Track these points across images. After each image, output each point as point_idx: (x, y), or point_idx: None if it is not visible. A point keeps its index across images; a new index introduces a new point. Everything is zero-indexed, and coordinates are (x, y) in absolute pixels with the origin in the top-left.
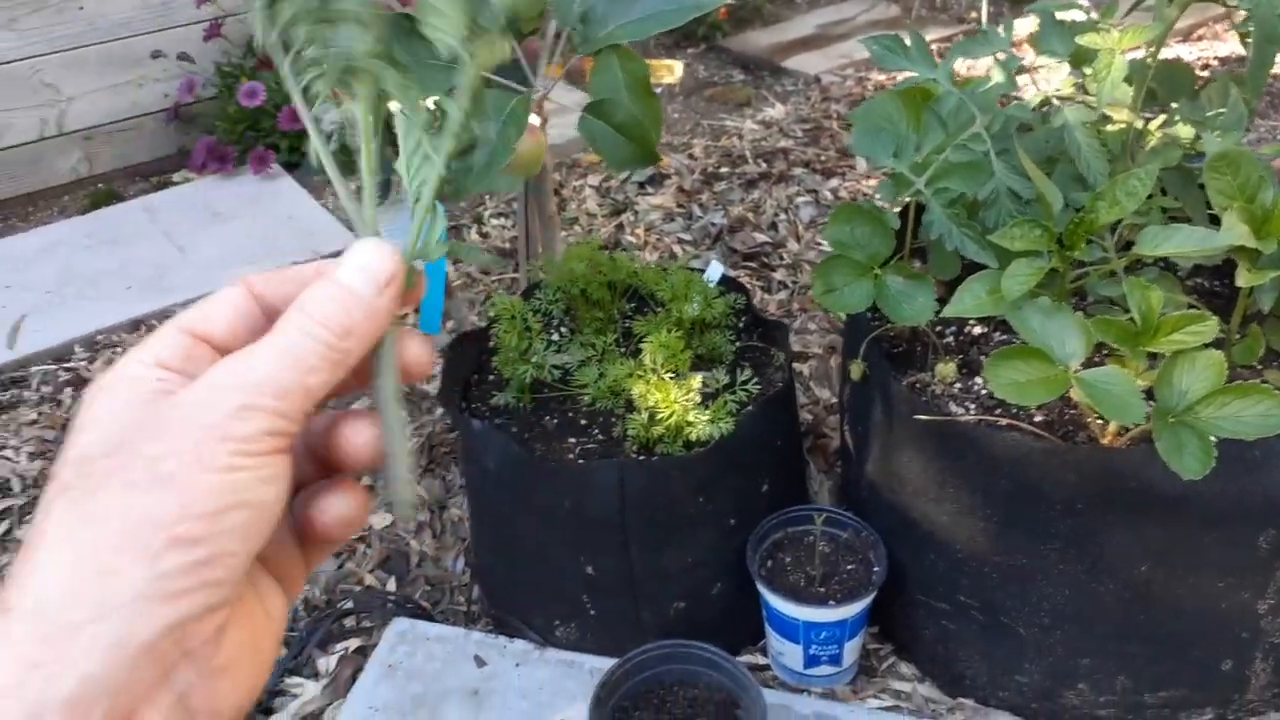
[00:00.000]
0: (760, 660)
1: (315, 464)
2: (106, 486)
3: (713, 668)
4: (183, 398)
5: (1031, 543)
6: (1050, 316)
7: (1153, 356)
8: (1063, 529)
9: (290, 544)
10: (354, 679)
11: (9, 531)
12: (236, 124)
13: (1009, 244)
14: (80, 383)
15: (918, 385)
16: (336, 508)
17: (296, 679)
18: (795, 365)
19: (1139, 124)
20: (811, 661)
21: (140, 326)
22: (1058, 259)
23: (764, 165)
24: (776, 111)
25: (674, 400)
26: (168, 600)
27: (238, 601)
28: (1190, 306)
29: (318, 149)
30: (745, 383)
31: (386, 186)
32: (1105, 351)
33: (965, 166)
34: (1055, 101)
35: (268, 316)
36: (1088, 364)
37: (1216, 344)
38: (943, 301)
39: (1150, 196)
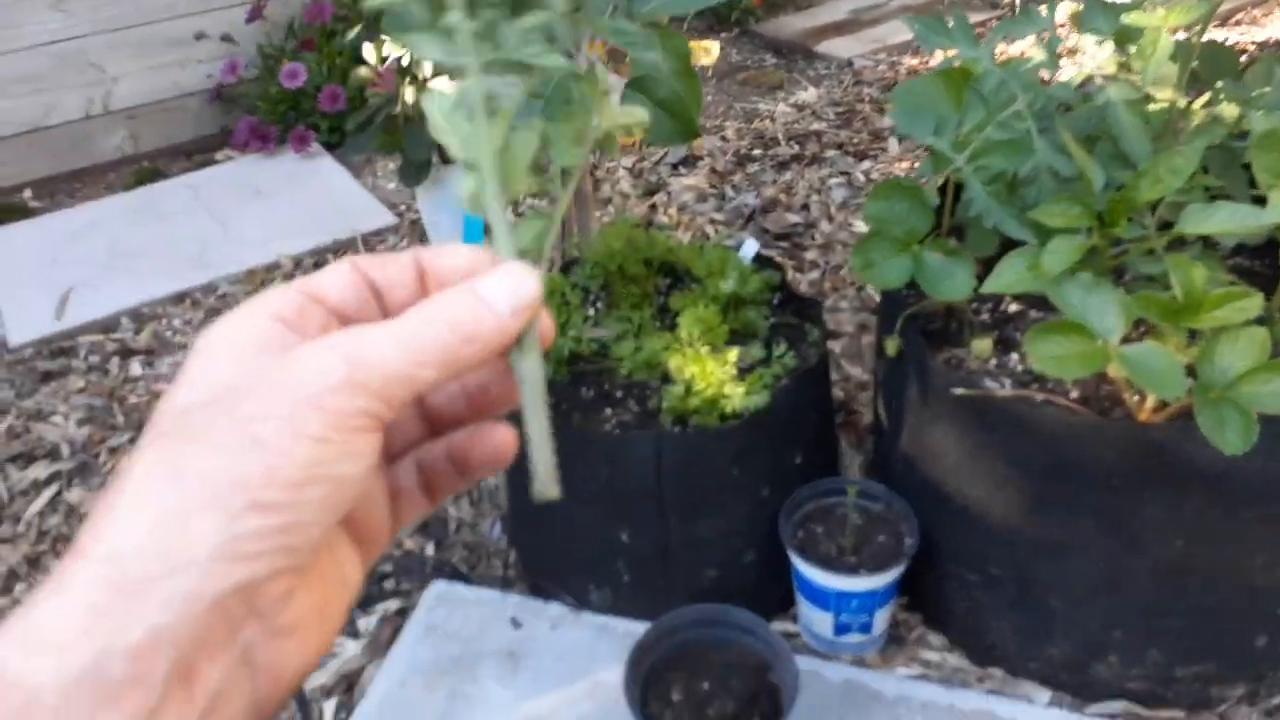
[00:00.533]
0: (790, 628)
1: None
2: (197, 442)
3: (747, 633)
4: (289, 360)
5: (1066, 516)
6: (1090, 292)
7: (1192, 334)
8: (1098, 503)
9: (379, 509)
10: (393, 639)
11: (59, 494)
12: (278, 104)
13: (1049, 220)
14: (127, 353)
15: (953, 361)
16: (494, 437)
17: (337, 638)
18: (828, 342)
19: (1182, 103)
20: (842, 630)
21: (185, 300)
22: (1098, 236)
23: (796, 147)
24: (809, 95)
25: (711, 373)
26: (241, 561)
27: (311, 566)
28: (1231, 284)
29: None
30: (781, 356)
31: (426, 167)
32: (1142, 329)
33: (1006, 144)
34: (1098, 79)
35: (374, 295)
36: (1124, 342)
37: (1258, 322)
38: (979, 279)
39: (1192, 175)
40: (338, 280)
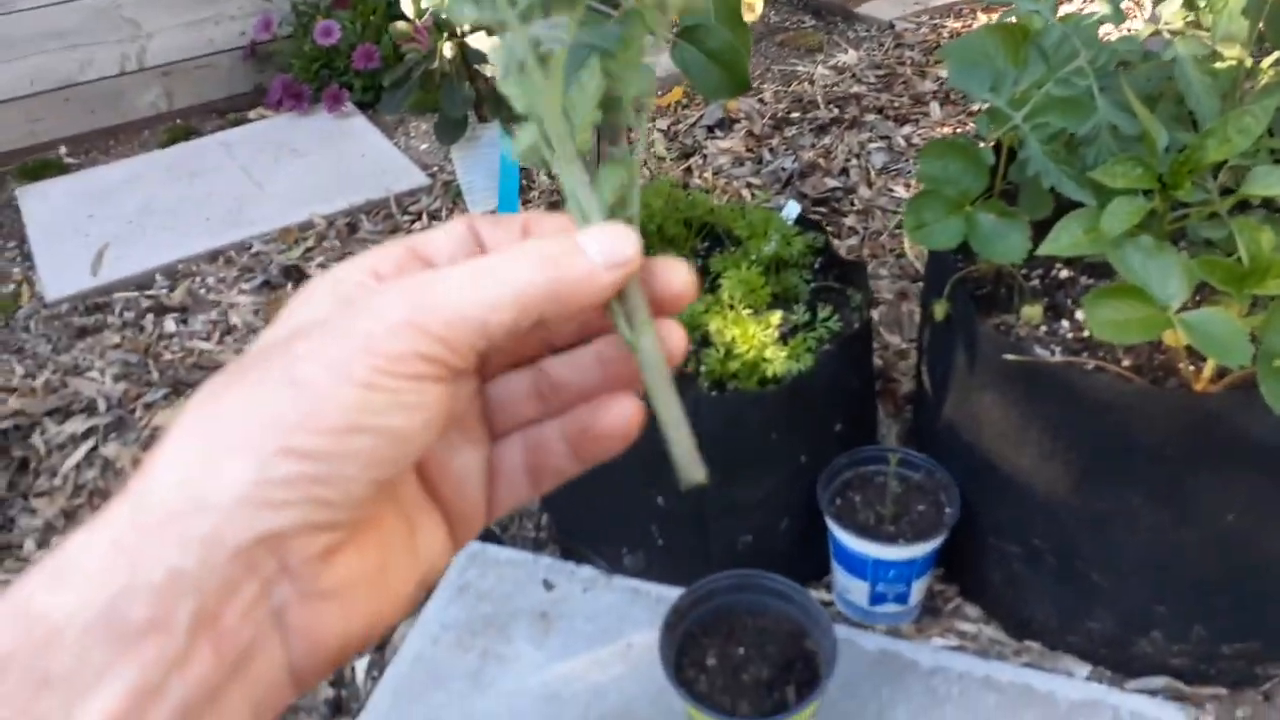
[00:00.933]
0: (825, 597)
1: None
2: (244, 381)
3: (783, 599)
4: (358, 304)
5: (1115, 489)
6: (1151, 256)
7: (1253, 304)
8: (1149, 475)
9: (472, 485)
10: (426, 598)
11: (95, 449)
12: (312, 63)
13: (1110, 181)
14: (162, 310)
15: (1002, 327)
16: (618, 409)
17: (401, 615)
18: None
19: (1249, 62)
20: (878, 599)
21: (219, 257)
22: (1158, 199)
23: (836, 111)
24: (849, 57)
25: (752, 336)
26: (267, 508)
27: (364, 528)
28: None
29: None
30: (826, 320)
31: (463, 125)
32: (1199, 298)
33: (1066, 101)
34: (1165, 35)
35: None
36: (1182, 310)
37: None
38: (1032, 244)
39: (1258, 138)
40: (448, 238)
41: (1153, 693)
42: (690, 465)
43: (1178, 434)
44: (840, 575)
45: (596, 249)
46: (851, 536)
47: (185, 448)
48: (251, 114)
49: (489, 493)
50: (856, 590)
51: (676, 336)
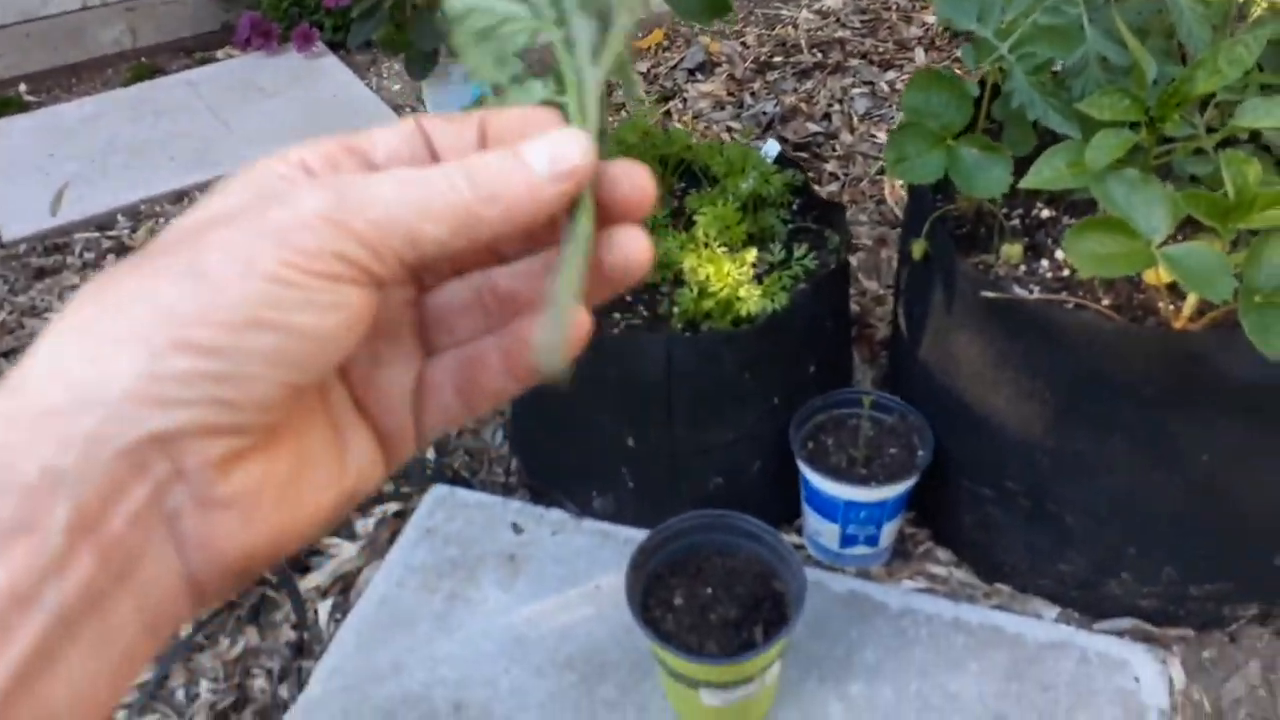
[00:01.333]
0: (795, 539)
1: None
2: (141, 270)
3: (752, 539)
4: (280, 193)
5: (1091, 429)
6: (1135, 189)
7: (1235, 243)
8: (1125, 416)
9: (398, 401)
10: (391, 541)
11: None
12: (281, 0)
13: (1097, 113)
14: (124, 251)
15: (980, 266)
16: (629, 241)
17: (334, 539)
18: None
19: None
20: (848, 541)
21: (183, 199)
22: (1145, 134)
23: (819, 55)
24: (834, 1)
25: (726, 274)
26: (159, 406)
27: (280, 435)
28: None
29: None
30: (801, 258)
31: (434, 59)
32: (1182, 236)
33: (1054, 31)
34: None
35: (432, 159)
36: (1166, 244)
37: None
38: (1015, 182)
39: (1247, 72)
40: (391, 137)
41: (1120, 634)
42: (554, 354)
43: (1156, 373)
44: (811, 518)
45: (541, 159)
46: (823, 478)
47: (67, 340)
48: (219, 53)
49: (417, 412)
50: (827, 533)
51: (637, 243)
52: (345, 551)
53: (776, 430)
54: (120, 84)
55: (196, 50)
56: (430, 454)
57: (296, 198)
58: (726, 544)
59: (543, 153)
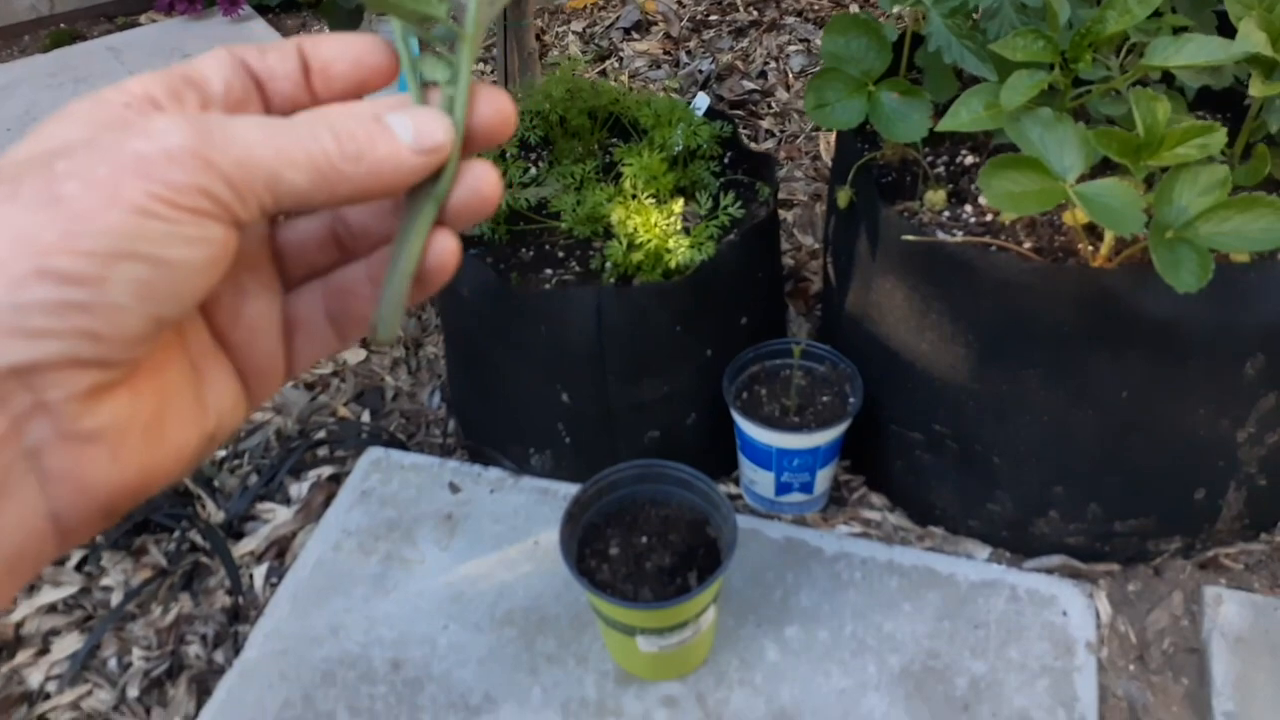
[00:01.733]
0: (732, 490)
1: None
2: None
3: (685, 487)
4: (134, 125)
5: (1013, 371)
6: (1049, 128)
7: (1149, 183)
8: (1046, 356)
9: (266, 338)
10: (327, 505)
11: None
12: None
13: (1010, 54)
14: None
15: (905, 213)
16: (441, 244)
17: (268, 504)
18: (780, 213)
19: None
20: (783, 489)
21: None
22: (1060, 75)
23: (755, 13)
24: None
25: (654, 225)
26: (20, 336)
27: (143, 371)
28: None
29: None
30: (728, 207)
31: (358, 17)
32: (1096, 177)
33: None
34: None
35: (256, 88)
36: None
37: None
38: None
39: (1159, 15)
40: (217, 65)
41: (1049, 571)
42: (391, 319)
43: (1074, 313)
44: (746, 467)
45: (407, 131)
46: (756, 427)
47: None
48: (141, 18)
49: (287, 345)
50: (762, 481)
51: (487, 178)
52: (280, 516)
53: (711, 383)
54: (38, 50)
55: (118, 15)
56: (365, 417)
57: (159, 130)
58: (660, 493)
59: (408, 125)
